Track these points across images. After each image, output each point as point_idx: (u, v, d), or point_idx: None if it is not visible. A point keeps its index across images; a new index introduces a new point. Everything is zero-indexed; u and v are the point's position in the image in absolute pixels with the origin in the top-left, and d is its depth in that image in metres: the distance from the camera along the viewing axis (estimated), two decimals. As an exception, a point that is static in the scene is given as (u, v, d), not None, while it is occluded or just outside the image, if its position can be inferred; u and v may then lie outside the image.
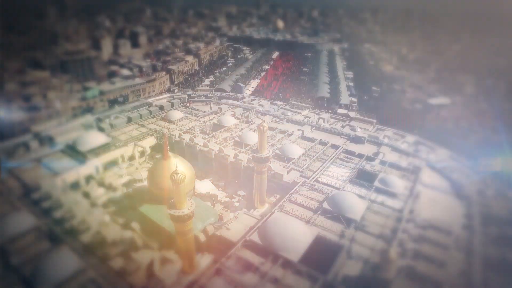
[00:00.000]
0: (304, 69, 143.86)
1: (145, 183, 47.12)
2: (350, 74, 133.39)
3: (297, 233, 34.81)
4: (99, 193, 48.04)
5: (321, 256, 32.96)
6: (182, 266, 33.58)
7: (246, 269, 31.63)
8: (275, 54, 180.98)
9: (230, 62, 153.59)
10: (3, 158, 51.76)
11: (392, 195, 44.06)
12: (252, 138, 56.43)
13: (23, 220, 37.50)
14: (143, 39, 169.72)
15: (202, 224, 39.61)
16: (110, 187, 49.46)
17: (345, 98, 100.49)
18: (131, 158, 57.08)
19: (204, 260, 36.34)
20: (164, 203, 39.75)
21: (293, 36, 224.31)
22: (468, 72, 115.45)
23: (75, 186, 48.79)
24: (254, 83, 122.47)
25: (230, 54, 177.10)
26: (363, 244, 35.11)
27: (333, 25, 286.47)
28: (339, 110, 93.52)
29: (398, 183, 46.00)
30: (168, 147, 42.18)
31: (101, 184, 50.30)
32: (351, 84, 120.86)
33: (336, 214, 38.86)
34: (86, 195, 47.34)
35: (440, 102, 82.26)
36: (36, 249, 34.26)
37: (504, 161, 55.05)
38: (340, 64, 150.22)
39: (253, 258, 33.00)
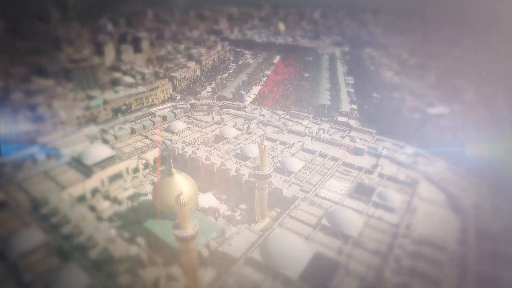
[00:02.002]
0: (305, 74, 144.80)
1: (150, 197, 48.55)
2: (350, 80, 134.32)
3: (296, 250, 36.07)
4: (105, 207, 49.52)
5: (319, 273, 34.26)
6: (186, 283, 34.86)
7: (248, 287, 32.91)
8: (276, 59, 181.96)
9: (232, 67, 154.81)
10: (11, 171, 53.14)
11: (390, 209, 45.29)
12: (253, 151, 57.69)
13: (33, 236, 38.88)
14: (145, 44, 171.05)
15: (205, 239, 40.92)
16: (115, 200, 50.94)
17: (345, 105, 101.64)
18: (135, 170, 58.41)
19: (207, 275, 37.74)
20: (168, 219, 41.30)
21: (294, 39, 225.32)
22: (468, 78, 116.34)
23: (81, 199, 50.26)
24: (256, 89, 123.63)
25: (231, 58, 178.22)
26: (360, 261, 36.32)
27: (334, 27, 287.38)
28: (340, 118, 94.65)
29: (396, 197, 47.22)
30: (172, 163, 43.64)
31: (106, 197, 51.78)
32: (352, 90, 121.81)
33: (335, 230, 40.09)
34: (92, 208, 48.89)
35: (439, 112, 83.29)
36: (46, 266, 35.68)
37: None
38: (341, 69, 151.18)
39: (254, 275, 34.31)
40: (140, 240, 42.25)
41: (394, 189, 49.98)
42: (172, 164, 43.10)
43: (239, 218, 48.05)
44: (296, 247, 36.62)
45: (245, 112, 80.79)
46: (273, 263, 34.82)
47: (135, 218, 46.85)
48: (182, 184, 41.86)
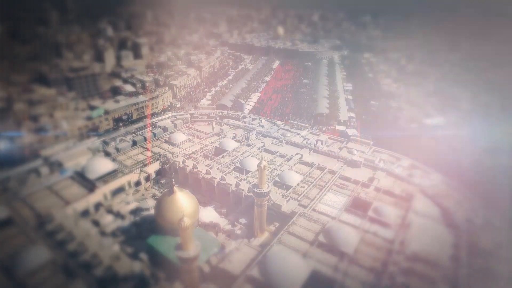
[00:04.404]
0: (304, 80, 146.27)
1: (152, 211, 49.81)
2: (349, 86, 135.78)
3: (293, 268, 37.39)
4: (108, 221, 50.79)
5: (316, 291, 35.57)
6: (187, 300, 36.16)
7: (247, 305, 34.25)
8: (276, 64, 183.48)
9: (231, 73, 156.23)
10: (16, 186, 54.37)
11: (385, 225, 46.58)
12: (253, 164, 58.91)
13: (40, 254, 40.11)
14: (145, 50, 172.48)
15: (206, 255, 42.20)
16: (118, 215, 52.20)
17: (343, 114, 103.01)
18: (137, 183, 59.66)
19: (208, 291, 38.99)
20: (170, 235, 42.67)
21: (293, 43, 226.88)
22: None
23: (85, 214, 51.51)
24: (255, 97, 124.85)
25: (231, 63, 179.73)
26: (355, 278, 37.62)
27: (333, 30, 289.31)
28: (338, 127, 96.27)
29: (391, 212, 48.51)
30: (173, 181, 44.88)
31: (109, 211, 53.05)
32: (350, 97, 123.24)
33: (331, 247, 41.42)
34: (96, 223, 50.13)
35: (436, 123, 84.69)
36: (53, 284, 36.95)
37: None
38: (339, 75, 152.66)
39: (254, 293, 35.60)
40: (143, 256, 43.51)
41: (390, 203, 51.31)
42: (173, 182, 44.41)
43: (239, 232, 49.28)
44: (293, 265, 37.92)
45: (245, 122, 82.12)
46: (271, 281, 36.11)
47: (137, 233, 48.15)
48: (183, 202, 43.26)
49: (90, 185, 54.66)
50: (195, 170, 58.48)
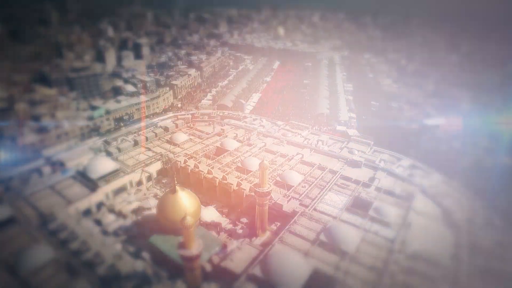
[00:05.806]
0: (305, 81, 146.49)
1: (153, 211, 50.09)
2: (349, 87, 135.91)
3: (295, 267, 37.63)
4: (110, 220, 51.05)
5: (317, 289, 35.81)
6: (190, 299, 36.41)
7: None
8: (276, 64, 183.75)
9: (232, 73, 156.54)
10: (18, 185, 54.63)
11: (386, 224, 46.81)
12: (254, 164, 59.17)
13: (43, 252, 40.38)
14: (146, 50, 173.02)
15: (208, 254, 42.44)
16: (120, 214, 52.46)
17: (344, 114, 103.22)
18: (139, 183, 59.91)
19: (210, 290, 39.24)
20: (172, 234, 42.94)
21: (293, 44, 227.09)
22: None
23: (87, 213, 51.78)
24: (256, 97, 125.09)
25: (231, 64, 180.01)
26: (356, 277, 37.88)
27: (334, 31, 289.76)
28: (338, 127, 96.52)
29: (392, 212, 48.73)
30: (175, 180, 45.17)
31: (111, 211, 53.30)
32: (350, 97, 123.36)
33: (332, 246, 41.67)
34: (98, 222, 50.39)
35: (436, 123, 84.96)
36: (56, 282, 37.23)
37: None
38: (340, 75, 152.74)
39: (255, 292, 35.84)
40: (145, 255, 43.77)
41: (391, 203, 51.53)
42: (175, 181, 44.68)
43: (240, 231, 49.52)
44: (295, 264, 38.16)
45: (245, 122, 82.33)
46: (272, 280, 36.34)
47: (140, 233, 48.35)
48: (185, 201, 43.54)
49: (92, 184, 54.90)
50: (196, 169, 58.71)
